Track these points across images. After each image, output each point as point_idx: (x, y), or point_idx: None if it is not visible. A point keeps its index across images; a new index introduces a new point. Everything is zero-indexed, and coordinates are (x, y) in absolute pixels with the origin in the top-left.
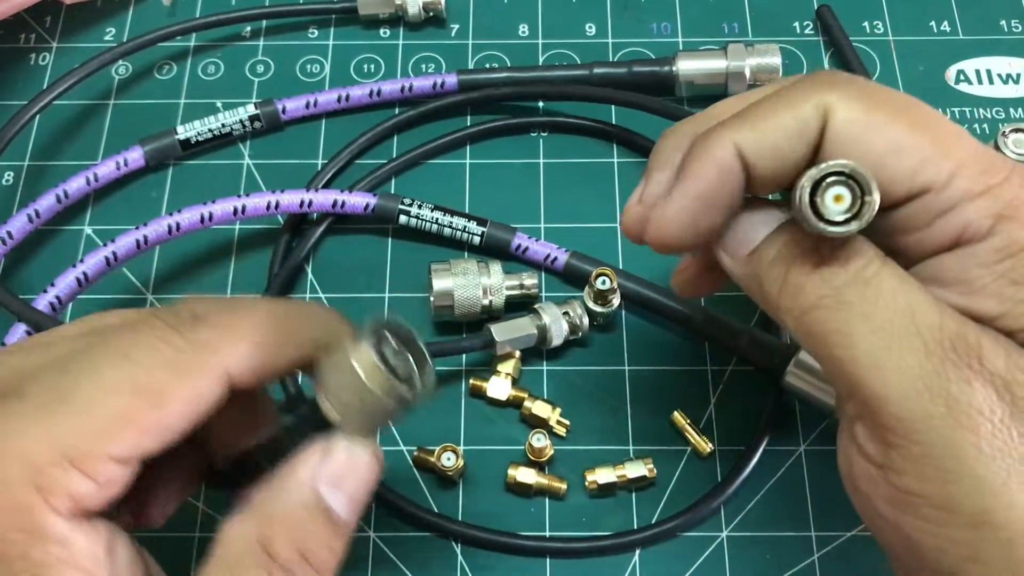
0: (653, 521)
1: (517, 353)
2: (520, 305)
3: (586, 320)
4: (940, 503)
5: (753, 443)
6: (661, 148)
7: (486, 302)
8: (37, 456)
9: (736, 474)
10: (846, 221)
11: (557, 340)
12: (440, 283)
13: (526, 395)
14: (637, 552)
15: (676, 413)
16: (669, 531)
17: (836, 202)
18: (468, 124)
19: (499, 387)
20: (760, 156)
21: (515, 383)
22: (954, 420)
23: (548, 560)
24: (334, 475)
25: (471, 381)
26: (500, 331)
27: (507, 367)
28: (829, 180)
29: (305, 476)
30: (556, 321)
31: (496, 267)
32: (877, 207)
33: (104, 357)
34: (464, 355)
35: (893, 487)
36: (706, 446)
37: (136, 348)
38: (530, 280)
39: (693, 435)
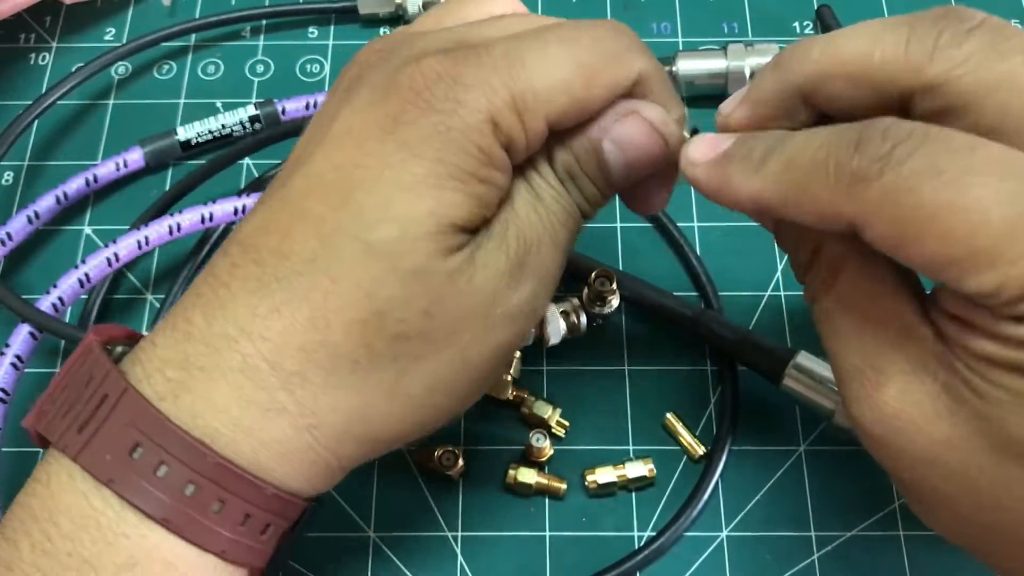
0: (652, 521)
1: (517, 353)
2: None
3: (584, 319)
4: None
5: (716, 447)
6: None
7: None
8: (496, 97)
9: (708, 479)
10: None
11: (555, 339)
12: None
13: (526, 395)
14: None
15: (669, 416)
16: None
17: None
18: None
19: (499, 387)
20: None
21: (515, 383)
22: None
23: (548, 560)
24: (622, 136)
25: None
26: None
27: (507, 367)
28: None
29: (596, 128)
30: (554, 319)
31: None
32: None
33: (553, 36)
34: None
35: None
36: (698, 449)
37: (581, 35)
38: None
39: (685, 438)
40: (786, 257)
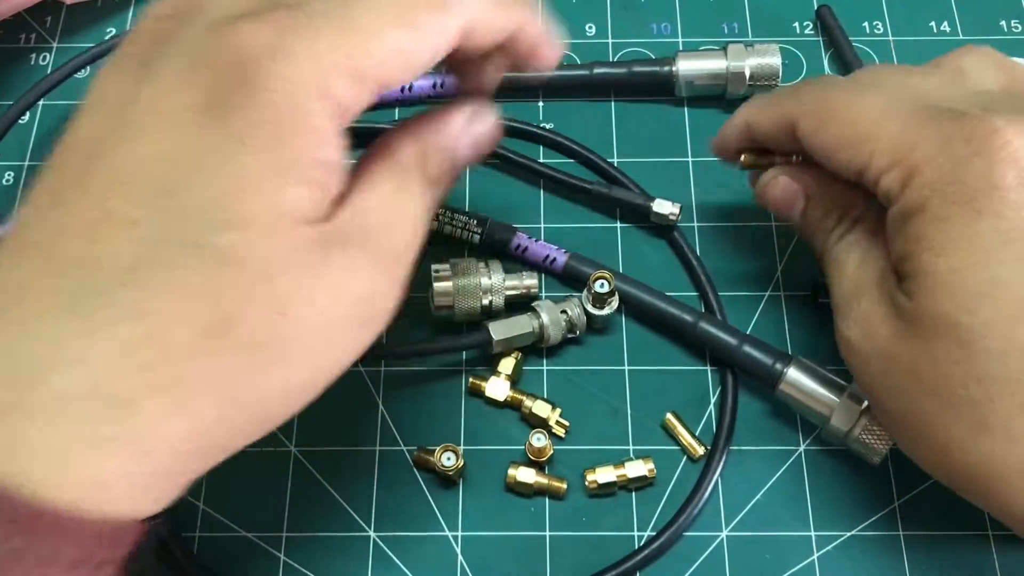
0: (652, 521)
1: (518, 354)
2: (520, 305)
3: (584, 319)
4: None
5: (716, 447)
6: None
7: (486, 302)
8: (328, 67)
9: (704, 483)
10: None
11: (555, 339)
12: (440, 284)
13: (525, 396)
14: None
15: (669, 416)
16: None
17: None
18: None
19: (498, 387)
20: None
21: (515, 384)
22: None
23: (548, 560)
24: (475, 135)
25: (471, 380)
26: (498, 329)
27: (507, 367)
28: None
29: (455, 129)
30: (554, 320)
31: (496, 267)
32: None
33: None
34: (464, 354)
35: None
36: (698, 449)
37: None
38: (530, 280)
39: (685, 438)
40: (786, 257)
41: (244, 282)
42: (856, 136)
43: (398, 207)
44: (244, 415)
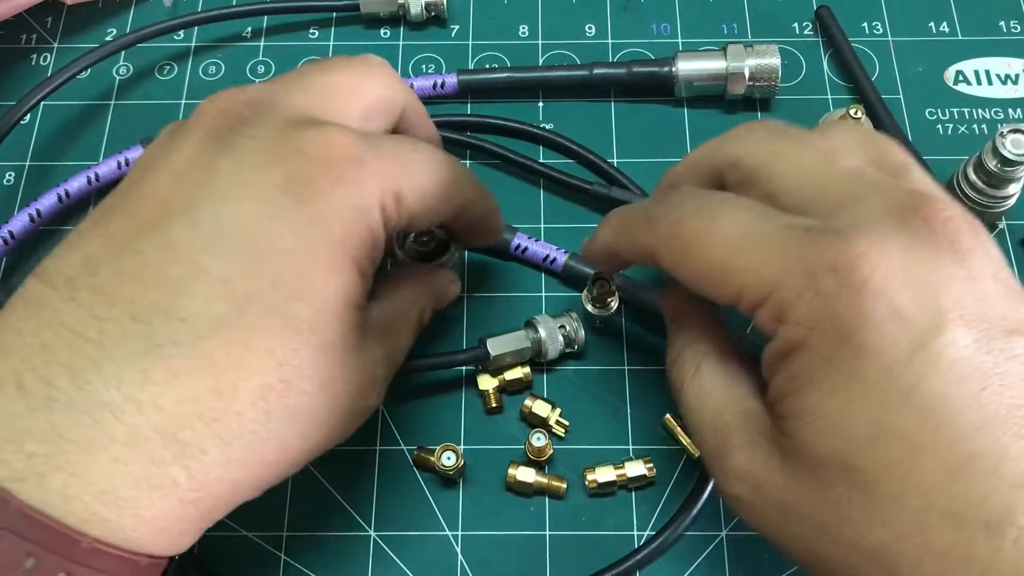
0: (652, 520)
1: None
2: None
3: (582, 333)
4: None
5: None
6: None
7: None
8: (388, 186)
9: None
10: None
11: (553, 353)
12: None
13: (525, 396)
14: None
15: (669, 416)
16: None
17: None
18: (468, 115)
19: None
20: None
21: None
22: None
23: (548, 560)
24: (437, 291)
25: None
26: (495, 344)
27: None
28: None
29: (423, 303)
30: (552, 334)
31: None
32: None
33: (426, 149)
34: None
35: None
36: (696, 449)
37: (440, 156)
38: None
39: (685, 438)
40: None
41: (308, 352)
42: (717, 270)
43: (414, 316)
44: (272, 472)
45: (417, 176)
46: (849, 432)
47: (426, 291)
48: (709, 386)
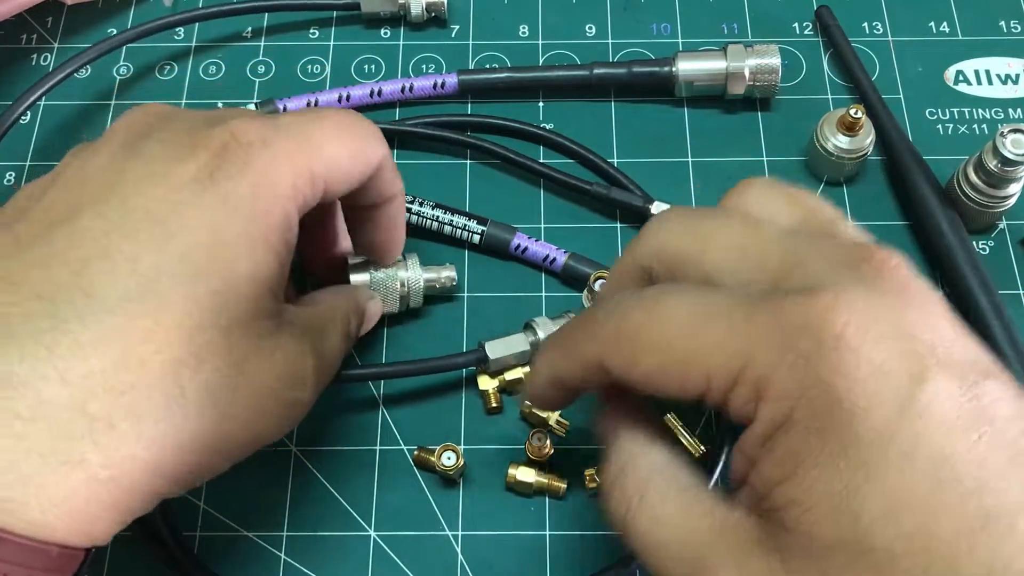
0: None
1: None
2: (441, 299)
3: None
4: None
5: (716, 447)
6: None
7: (403, 293)
8: (298, 166)
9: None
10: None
11: None
12: (357, 276)
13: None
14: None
15: (669, 416)
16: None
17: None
18: (468, 115)
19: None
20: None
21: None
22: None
23: (548, 560)
24: (358, 303)
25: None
26: (493, 348)
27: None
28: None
29: (347, 310)
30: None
31: (414, 260)
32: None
33: (329, 119)
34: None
35: None
36: (698, 448)
37: (344, 120)
38: (448, 273)
39: (685, 438)
40: None
41: (218, 328)
42: (677, 360)
43: (339, 319)
44: (190, 460)
45: (326, 148)
46: (857, 509)
47: (348, 299)
48: (663, 508)
